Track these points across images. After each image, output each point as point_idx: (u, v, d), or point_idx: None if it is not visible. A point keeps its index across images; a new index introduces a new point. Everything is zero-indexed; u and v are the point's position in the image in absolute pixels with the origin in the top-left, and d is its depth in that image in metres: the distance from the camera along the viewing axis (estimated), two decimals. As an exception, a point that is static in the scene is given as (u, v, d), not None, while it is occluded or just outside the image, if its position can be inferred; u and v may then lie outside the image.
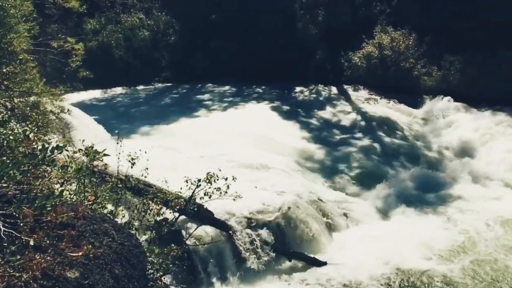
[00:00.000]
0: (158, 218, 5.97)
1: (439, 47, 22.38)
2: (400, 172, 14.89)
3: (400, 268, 9.83)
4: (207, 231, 9.06)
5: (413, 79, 22.65)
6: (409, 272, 9.72)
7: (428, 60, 22.88)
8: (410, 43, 22.90)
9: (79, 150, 4.44)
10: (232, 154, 13.60)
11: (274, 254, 9.93)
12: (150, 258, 4.69)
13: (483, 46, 20.84)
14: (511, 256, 10.19)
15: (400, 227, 11.63)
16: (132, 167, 5.41)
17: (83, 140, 4.71)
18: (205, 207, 8.16)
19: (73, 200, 4.32)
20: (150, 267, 4.72)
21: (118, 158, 5.36)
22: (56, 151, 3.54)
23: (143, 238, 5.52)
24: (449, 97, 20.09)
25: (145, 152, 5.82)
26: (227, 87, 24.64)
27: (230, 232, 9.56)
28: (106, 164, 5.16)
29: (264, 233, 10.01)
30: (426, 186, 14.05)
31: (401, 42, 22.93)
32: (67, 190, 4.43)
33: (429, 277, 9.54)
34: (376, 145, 16.93)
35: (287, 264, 10.12)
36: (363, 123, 19.38)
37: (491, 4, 21.69)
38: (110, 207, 5.02)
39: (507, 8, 21.22)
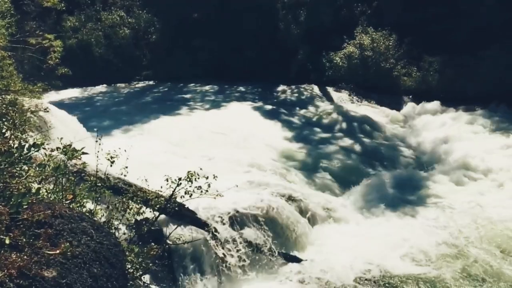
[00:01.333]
0: (138, 218, 5.92)
1: (419, 48, 22.77)
2: (380, 172, 15.08)
3: (380, 266, 9.90)
4: (188, 230, 9.03)
5: (393, 79, 23.00)
6: (389, 271, 9.79)
7: (408, 60, 23.27)
8: (390, 43, 23.22)
9: (57, 148, 4.39)
10: (213, 153, 13.59)
11: (255, 253, 9.95)
12: (129, 257, 4.66)
13: (461, 47, 21.27)
14: (499, 256, 10.28)
15: (380, 226, 11.75)
16: (111, 165, 5.37)
17: (61, 138, 4.66)
18: (186, 206, 8.15)
19: (51, 198, 4.26)
20: (129, 266, 4.69)
21: (97, 157, 5.31)
22: (33, 149, 3.49)
23: (122, 237, 5.48)
24: (438, 102, 20.41)
25: (125, 150, 5.78)
26: (208, 86, 24.59)
27: (212, 231, 9.55)
28: (84, 163, 5.11)
29: (246, 232, 10.04)
30: (406, 185, 14.26)
31: (381, 43, 23.23)
32: (45, 189, 4.37)
33: (407, 277, 9.64)
34: (357, 144, 17.12)
35: (267, 262, 10.15)
36: (344, 122, 19.58)
37: (468, 6, 22.15)
38: (89, 206, 4.97)
39: (484, 11, 21.69)
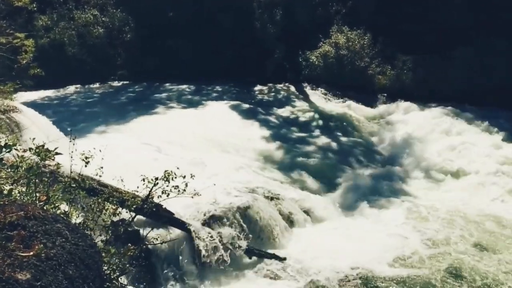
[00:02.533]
0: (114, 218, 5.84)
1: (393, 47, 23.16)
2: (357, 169, 15.28)
3: (358, 265, 9.96)
4: (166, 230, 8.97)
5: (368, 78, 23.32)
6: (368, 269, 9.83)
7: (382, 59, 23.62)
8: (365, 43, 23.54)
9: (30, 149, 4.29)
10: (190, 152, 13.53)
11: (234, 252, 9.96)
12: (106, 258, 4.59)
13: (433, 47, 21.75)
14: (476, 253, 10.47)
15: (358, 224, 11.89)
16: (86, 166, 5.27)
17: (33, 139, 4.55)
18: (164, 206, 8.09)
19: (24, 200, 4.17)
20: (106, 267, 4.63)
21: (71, 157, 5.21)
22: (4, 150, 3.41)
23: (98, 238, 5.40)
24: (411, 100, 20.77)
25: (100, 150, 5.69)
26: (185, 86, 24.42)
27: (190, 230, 9.51)
28: (58, 164, 5.01)
29: (224, 231, 10.03)
30: (382, 183, 14.50)
31: (356, 42, 23.52)
32: (17, 191, 4.27)
33: (386, 276, 9.70)
34: (333, 142, 17.30)
35: (247, 261, 10.18)
36: (320, 121, 19.76)
37: (439, 7, 22.65)
38: (63, 207, 4.88)
39: (454, 12, 22.21)
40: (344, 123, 19.28)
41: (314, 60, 24.23)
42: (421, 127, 18.12)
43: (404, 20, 23.15)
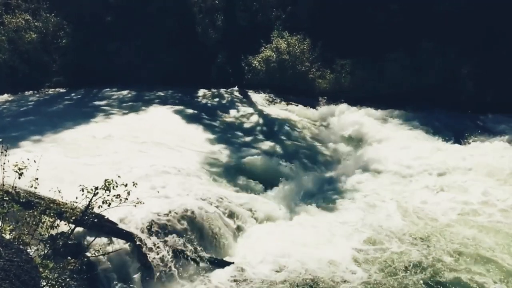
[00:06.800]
0: (52, 232, 5.60)
1: (331, 51, 23.96)
2: (301, 171, 15.56)
3: (305, 266, 10.09)
4: (109, 242, 8.69)
5: (309, 82, 23.96)
6: (315, 271, 9.94)
7: (322, 63, 24.37)
8: (305, 47, 24.16)
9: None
10: (132, 160, 13.19)
11: (181, 259, 9.82)
12: (44, 274, 4.40)
13: (369, 50, 22.73)
14: (421, 249, 10.83)
15: (304, 225, 12.02)
16: (19, 178, 5.02)
17: (-41, 151, 4.28)
18: (106, 217, 7.83)
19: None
20: (45, 282, 4.43)
21: (3, 169, 4.94)
22: None
23: (36, 253, 5.16)
24: (348, 102, 21.47)
25: (34, 161, 5.43)
26: (125, 92, 23.79)
27: (135, 240, 9.27)
28: (-12, 176, 4.73)
29: (170, 239, 9.87)
30: (326, 184, 14.91)
31: (296, 47, 24.08)
32: None
33: (334, 277, 9.87)
34: (277, 145, 17.53)
35: (194, 268, 10.06)
36: (264, 125, 19.97)
37: (376, 12, 23.72)
38: (-5, 222, 4.61)
39: (388, 15, 23.36)
40: (287, 127, 19.62)
41: (257, 64, 24.51)
42: (359, 128, 18.82)
43: (341, 25, 24.04)
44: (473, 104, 20.90)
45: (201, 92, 24.37)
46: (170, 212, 10.34)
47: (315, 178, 15.24)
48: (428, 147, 16.95)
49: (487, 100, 20.82)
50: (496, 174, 14.56)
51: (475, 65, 21.74)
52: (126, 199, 5.67)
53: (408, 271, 9.95)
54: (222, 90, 24.69)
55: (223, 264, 10.19)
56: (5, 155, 5.02)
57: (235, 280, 9.71)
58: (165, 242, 9.71)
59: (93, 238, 7.56)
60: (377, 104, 20.74)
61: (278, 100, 23.28)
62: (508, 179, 14.30)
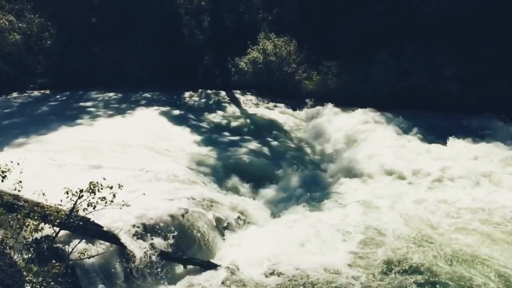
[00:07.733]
0: (36, 235, 5.53)
1: (318, 53, 24.05)
2: (288, 171, 15.56)
3: (294, 267, 10.05)
4: (94, 244, 8.60)
5: (295, 83, 24.04)
6: (304, 271, 9.87)
7: (308, 65, 24.46)
8: (292, 49, 24.24)
9: None
10: (118, 162, 13.09)
11: (168, 263, 9.77)
12: (28, 277, 4.34)
13: (355, 52, 22.89)
14: (412, 247, 10.87)
15: (292, 227, 11.95)
16: (2, 181, 4.95)
17: None
18: (91, 220, 7.76)
19: None
20: (29, 286, 4.38)
21: (-14, 172, 4.87)
22: None
23: (20, 257, 5.09)
24: (334, 104, 21.56)
25: (18, 164, 5.37)
26: (111, 94, 23.62)
27: (121, 243, 9.20)
28: (-30, 179, 4.65)
29: (157, 241, 9.80)
30: (313, 185, 14.87)
31: (283, 49, 24.14)
32: None
33: (324, 277, 9.84)
34: (264, 147, 17.54)
35: (181, 270, 10.01)
36: (251, 126, 19.98)
37: (362, 14, 23.90)
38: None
39: (374, 17, 23.55)
40: (274, 128, 19.65)
41: (243, 66, 24.52)
42: (346, 129, 18.91)
43: (328, 27, 24.19)
44: (458, 105, 21.12)
45: (188, 93, 24.31)
46: (156, 214, 10.27)
47: (303, 179, 15.24)
48: (413, 147, 17.10)
49: (471, 101, 21.06)
50: (485, 176, 14.63)
51: (460, 67, 22.00)
52: (112, 201, 5.63)
53: (403, 274, 9.88)
54: (209, 91, 24.66)
55: (210, 266, 10.15)
56: (-12, 158, 4.95)
57: (222, 283, 9.67)
58: (151, 244, 9.63)
59: (78, 241, 7.48)
60: (363, 105, 20.85)
61: (265, 101, 23.31)
62: (497, 180, 14.38)
